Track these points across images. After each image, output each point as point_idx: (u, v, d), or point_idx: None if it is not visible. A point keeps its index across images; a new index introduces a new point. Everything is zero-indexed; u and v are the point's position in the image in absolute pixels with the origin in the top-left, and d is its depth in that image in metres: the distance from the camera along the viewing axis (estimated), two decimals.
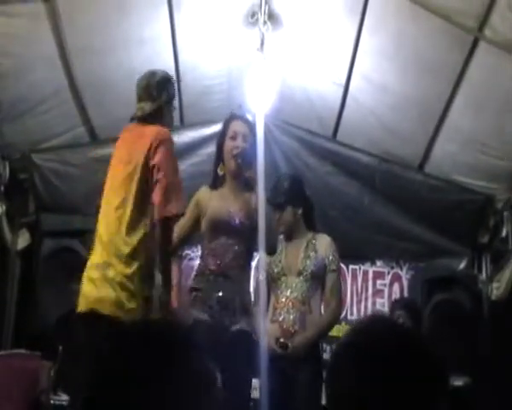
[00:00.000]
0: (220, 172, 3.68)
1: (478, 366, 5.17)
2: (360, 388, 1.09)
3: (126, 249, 3.15)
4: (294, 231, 3.93)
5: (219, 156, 3.70)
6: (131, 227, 3.17)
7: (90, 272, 3.21)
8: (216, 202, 3.61)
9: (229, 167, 3.65)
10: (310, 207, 4.03)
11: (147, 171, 3.18)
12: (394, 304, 4.89)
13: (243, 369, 3.37)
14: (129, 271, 3.13)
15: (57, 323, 4.75)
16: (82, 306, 3.22)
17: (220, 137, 3.74)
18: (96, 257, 3.23)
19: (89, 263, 3.27)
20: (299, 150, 5.98)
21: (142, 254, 3.18)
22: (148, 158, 3.18)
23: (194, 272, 3.79)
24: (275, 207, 3.88)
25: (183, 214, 3.33)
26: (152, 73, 3.42)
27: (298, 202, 3.94)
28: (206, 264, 3.58)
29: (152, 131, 3.25)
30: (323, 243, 3.90)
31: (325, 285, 3.87)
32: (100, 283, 3.14)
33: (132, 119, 3.40)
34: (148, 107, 3.34)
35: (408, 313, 4.56)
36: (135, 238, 3.17)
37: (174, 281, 3.51)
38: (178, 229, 3.49)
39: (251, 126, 3.76)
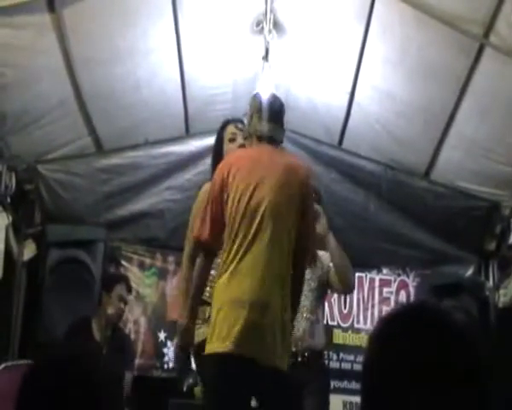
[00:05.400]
0: None
1: (484, 373, 5.14)
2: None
3: None
4: None
5: (218, 162, 3.39)
6: None
7: None
8: None
9: None
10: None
11: None
12: None
13: None
14: None
15: (68, 333, 4.68)
16: None
17: (217, 145, 3.62)
18: None
19: None
20: (305, 158, 5.96)
21: None
22: None
23: None
24: None
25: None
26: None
27: None
28: None
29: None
30: (327, 256, 3.92)
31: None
32: None
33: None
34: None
35: None
36: None
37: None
38: None
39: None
